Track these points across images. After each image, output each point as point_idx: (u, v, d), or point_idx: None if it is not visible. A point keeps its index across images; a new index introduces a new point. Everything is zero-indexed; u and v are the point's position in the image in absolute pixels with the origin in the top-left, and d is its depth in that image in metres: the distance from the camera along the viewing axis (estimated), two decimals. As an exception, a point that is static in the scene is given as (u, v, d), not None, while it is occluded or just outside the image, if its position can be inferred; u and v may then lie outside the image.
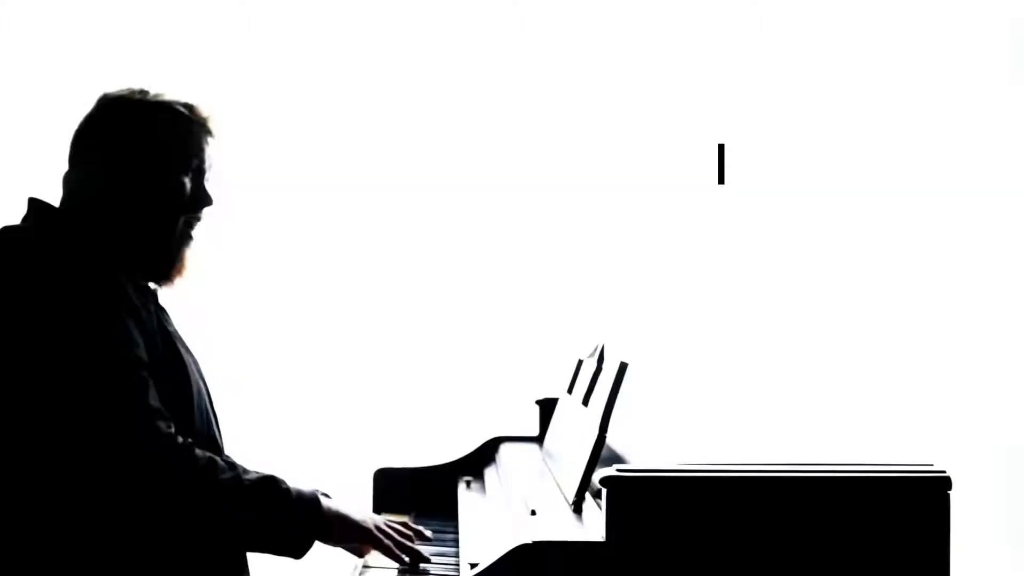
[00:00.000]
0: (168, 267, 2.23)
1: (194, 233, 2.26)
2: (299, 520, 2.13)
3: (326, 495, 2.23)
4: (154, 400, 2.04)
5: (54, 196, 2.23)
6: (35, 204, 2.20)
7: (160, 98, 2.24)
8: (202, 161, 2.24)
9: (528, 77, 4.07)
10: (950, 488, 1.95)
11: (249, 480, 2.10)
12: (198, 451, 2.07)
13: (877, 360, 3.91)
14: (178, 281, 2.26)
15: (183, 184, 2.21)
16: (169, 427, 2.05)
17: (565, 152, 4.05)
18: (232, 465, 2.11)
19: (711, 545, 1.92)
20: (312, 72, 4.09)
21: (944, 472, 1.96)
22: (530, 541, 1.90)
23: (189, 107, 2.25)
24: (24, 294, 2.04)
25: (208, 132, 2.25)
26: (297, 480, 2.17)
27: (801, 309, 3.93)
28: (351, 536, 2.24)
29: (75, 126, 2.25)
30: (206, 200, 2.25)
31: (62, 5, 4.09)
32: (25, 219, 2.20)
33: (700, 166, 4.00)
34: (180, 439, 2.05)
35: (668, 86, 4.05)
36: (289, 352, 4.04)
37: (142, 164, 2.19)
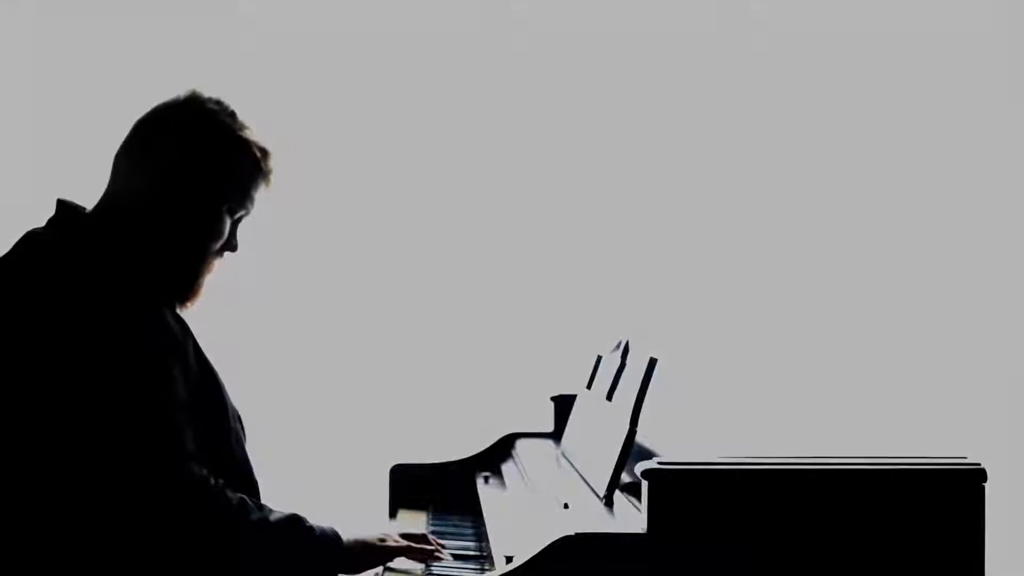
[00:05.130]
0: (188, 295, 2.19)
1: (213, 266, 2.22)
2: (323, 555, 2.15)
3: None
4: (191, 443, 2.02)
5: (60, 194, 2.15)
6: (65, 208, 2.12)
7: (246, 132, 2.17)
8: (248, 211, 2.21)
9: (543, 69, 4.09)
10: (985, 480, 1.97)
11: (275, 520, 2.11)
12: (229, 492, 2.06)
13: (904, 351, 3.94)
14: (189, 307, 2.21)
15: (225, 225, 2.17)
16: (203, 470, 2.03)
17: (579, 149, 4.07)
18: (260, 506, 2.11)
19: (750, 537, 1.94)
20: (321, 73, 4.10)
21: (979, 464, 1.99)
22: (573, 533, 1.92)
23: (265, 153, 2.19)
24: (58, 314, 1.99)
25: (267, 184, 2.21)
26: (314, 514, 2.19)
27: (821, 303, 3.97)
28: (376, 560, 2.26)
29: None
30: (233, 247, 2.22)
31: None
32: (53, 223, 2.12)
33: (701, 163, 4.04)
34: (213, 481, 2.04)
35: (674, 82, 4.07)
36: (304, 349, 4.05)
37: (203, 195, 2.13)
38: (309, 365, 4.04)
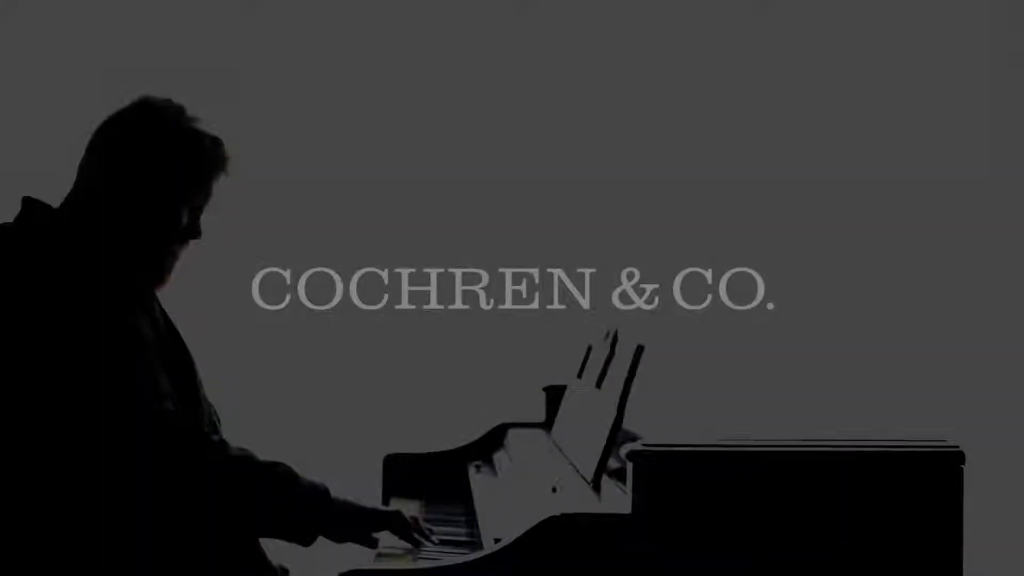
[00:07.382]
0: (154, 281, 2.26)
1: (180, 252, 2.28)
2: (308, 503, 2.15)
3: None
4: (165, 383, 2.09)
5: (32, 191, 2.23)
6: (32, 204, 2.21)
7: (195, 124, 2.25)
8: (206, 199, 2.28)
9: (534, 70, 4.12)
10: (963, 463, 2.00)
11: (260, 460, 2.14)
12: (207, 430, 2.13)
13: (885, 335, 3.97)
14: (158, 291, 2.28)
15: (181, 216, 2.23)
16: (182, 410, 2.10)
17: (570, 141, 4.10)
18: (243, 449, 2.15)
19: (732, 518, 1.98)
20: (312, 64, 4.12)
21: (957, 447, 2.02)
22: (558, 514, 1.95)
23: (217, 143, 2.26)
24: (26, 289, 2.08)
25: (224, 172, 2.28)
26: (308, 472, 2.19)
27: (803, 287, 4.00)
28: (363, 524, 2.25)
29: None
30: (195, 234, 2.28)
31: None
32: (19, 219, 2.21)
33: (701, 158, 4.07)
34: (188, 418, 2.11)
35: (668, 80, 4.10)
36: (297, 339, 4.08)
37: (156, 187, 2.21)
38: (302, 355, 4.07)
